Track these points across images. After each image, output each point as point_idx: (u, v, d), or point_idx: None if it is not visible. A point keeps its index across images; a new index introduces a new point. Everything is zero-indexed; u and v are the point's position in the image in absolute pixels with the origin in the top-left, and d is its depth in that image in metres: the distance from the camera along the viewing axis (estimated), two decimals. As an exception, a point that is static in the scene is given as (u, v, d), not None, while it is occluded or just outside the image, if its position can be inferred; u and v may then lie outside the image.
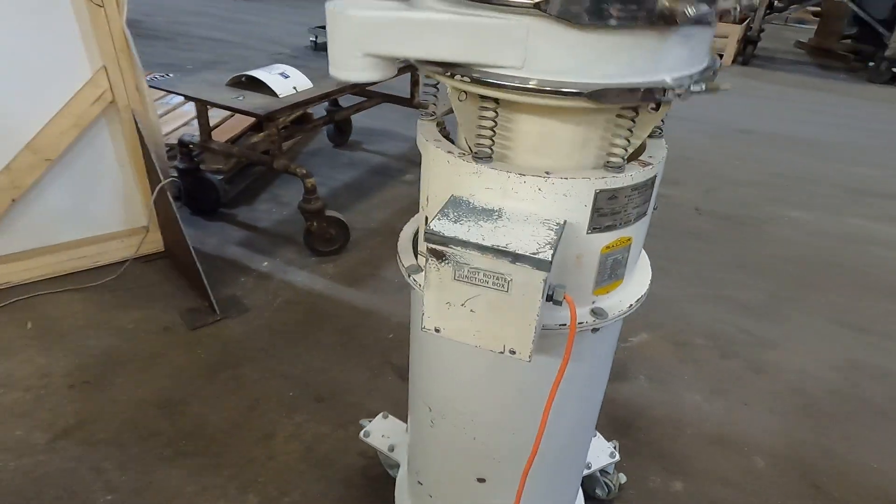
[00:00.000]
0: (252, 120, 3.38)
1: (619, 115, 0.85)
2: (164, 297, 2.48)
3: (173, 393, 2.01)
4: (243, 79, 2.75)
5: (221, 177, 3.12)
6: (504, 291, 0.81)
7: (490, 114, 0.85)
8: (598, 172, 0.87)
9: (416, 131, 1.02)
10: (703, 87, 0.80)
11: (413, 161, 3.92)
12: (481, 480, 1.20)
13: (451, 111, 0.96)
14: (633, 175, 0.88)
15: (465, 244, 0.79)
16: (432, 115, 1.03)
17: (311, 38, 3.39)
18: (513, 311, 0.82)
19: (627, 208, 0.91)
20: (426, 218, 0.99)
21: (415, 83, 3.64)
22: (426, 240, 0.80)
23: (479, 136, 0.87)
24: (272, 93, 2.58)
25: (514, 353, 0.86)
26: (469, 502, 1.26)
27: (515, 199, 0.87)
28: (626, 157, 0.88)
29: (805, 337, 2.47)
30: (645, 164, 0.90)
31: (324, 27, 3.42)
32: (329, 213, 2.76)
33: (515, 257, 0.78)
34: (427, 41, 0.78)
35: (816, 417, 2.07)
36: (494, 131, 0.86)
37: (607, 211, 0.89)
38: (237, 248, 2.87)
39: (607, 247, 0.93)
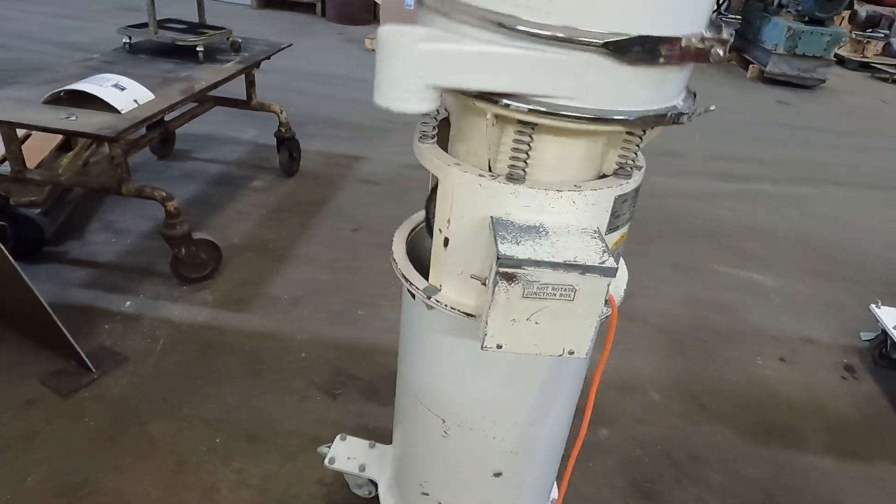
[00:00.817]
0: (58, 139, 2.89)
1: (631, 133, 0.96)
2: (9, 368, 2.05)
3: (71, 474, 1.71)
4: (63, 94, 2.34)
5: (38, 210, 2.63)
6: (570, 301, 0.88)
7: (527, 139, 0.90)
8: (613, 181, 0.97)
9: (421, 156, 1.02)
10: (702, 109, 0.95)
11: (259, 166, 3.69)
12: (497, 475, 1.27)
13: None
14: (637, 179, 1.00)
15: (538, 264, 0.84)
16: (432, 138, 1.04)
17: (124, 40, 2.98)
18: (576, 317, 0.89)
19: (628, 208, 1.04)
20: (445, 240, 1.01)
21: (251, 83, 3.41)
22: (501, 265, 0.84)
23: (515, 158, 0.92)
24: (111, 108, 2.24)
25: (572, 353, 0.94)
26: (484, 497, 1.32)
27: (552, 213, 0.93)
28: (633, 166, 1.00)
29: (655, 284, 2.93)
30: (640, 169, 1.03)
31: (139, 26, 3.03)
32: (196, 235, 2.51)
33: (585, 269, 0.85)
34: (491, 73, 0.80)
35: (683, 349, 2.50)
36: (529, 154, 0.91)
37: (619, 213, 1.01)
38: (84, 290, 2.47)
39: (615, 243, 1.05)
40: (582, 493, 1.82)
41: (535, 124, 0.88)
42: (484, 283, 0.92)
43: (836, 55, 7.19)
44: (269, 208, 3.25)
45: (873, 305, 2.52)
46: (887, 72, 8.21)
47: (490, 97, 0.84)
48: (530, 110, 0.83)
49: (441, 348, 1.14)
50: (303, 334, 2.34)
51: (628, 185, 0.98)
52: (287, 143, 3.55)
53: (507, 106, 0.83)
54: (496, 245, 0.86)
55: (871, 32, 8.53)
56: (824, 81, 7.17)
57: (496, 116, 0.90)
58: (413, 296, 1.14)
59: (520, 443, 1.22)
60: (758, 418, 2.19)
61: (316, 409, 2.02)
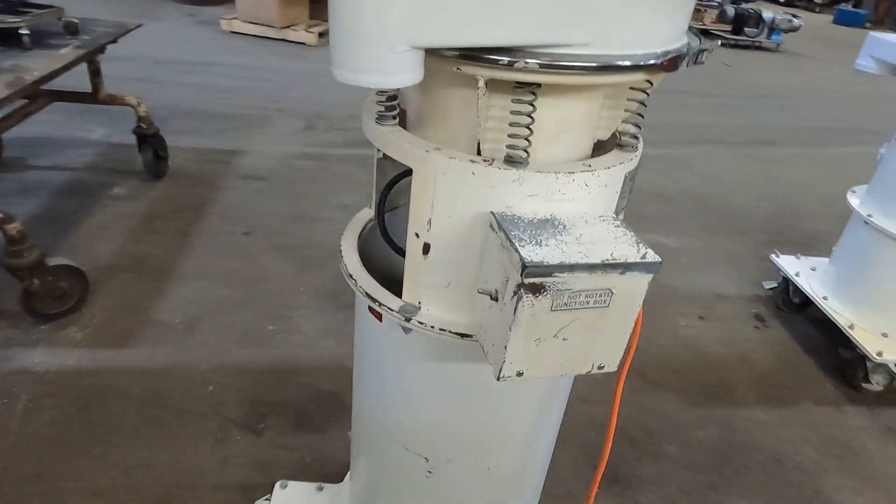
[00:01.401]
0: None
1: (635, 89, 0.80)
2: None
3: None
4: None
5: None
6: (605, 307, 0.71)
7: (527, 108, 0.70)
8: (621, 155, 0.82)
9: (384, 142, 0.80)
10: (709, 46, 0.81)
11: (118, 170, 3.16)
12: (491, 507, 1.09)
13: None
14: (641, 150, 0.86)
15: (572, 268, 0.66)
16: (394, 119, 0.81)
17: None
18: (609, 325, 0.73)
19: (629, 187, 0.89)
20: (425, 246, 0.80)
21: (95, 73, 2.87)
22: (529, 274, 0.64)
23: (514, 135, 0.72)
24: None
25: (602, 368, 0.77)
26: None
27: (561, 200, 0.76)
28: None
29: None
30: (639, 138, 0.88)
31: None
32: (52, 261, 2.05)
33: (626, 267, 0.69)
34: (490, 22, 0.59)
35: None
36: (530, 129, 0.72)
37: (624, 193, 0.85)
38: None
39: (618, 228, 0.90)
40: (552, 491, 1.70)
41: (538, 87, 0.69)
42: (493, 298, 0.72)
43: (683, 23, 7.72)
44: (138, 218, 2.78)
45: (773, 255, 2.66)
46: (724, 37, 8.99)
47: (483, 57, 0.64)
48: (543, 66, 0.64)
49: (424, 378, 0.93)
50: (207, 363, 2.00)
51: (635, 160, 0.83)
52: (150, 141, 3.06)
53: (511, 65, 0.63)
54: (515, 249, 0.66)
55: (705, 1, 9.30)
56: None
57: (487, 83, 0.70)
58: (379, 317, 0.92)
59: (517, 467, 1.06)
60: (694, 380, 2.22)
61: (239, 451, 1.71)
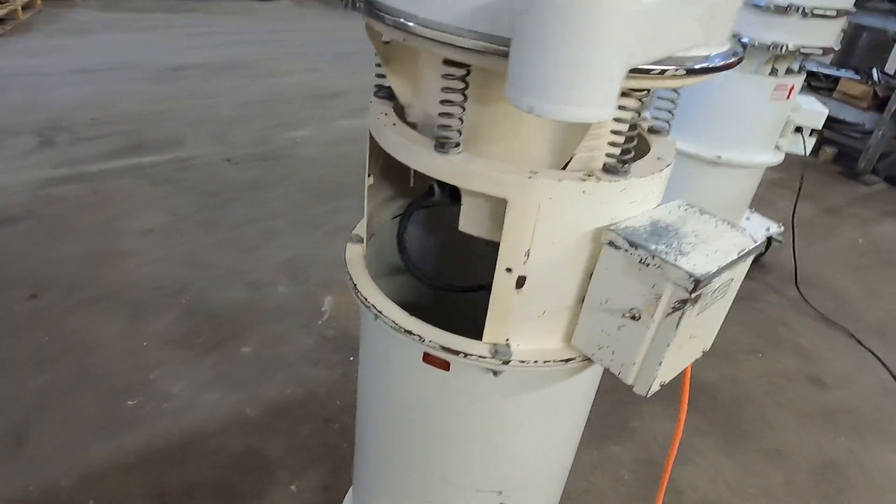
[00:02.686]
0: None
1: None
2: None
3: None
4: None
5: None
6: (724, 296, 0.72)
7: (633, 115, 0.65)
8: (668, 144, 0.82)
9: (461, 174, 0.67)
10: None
11: None
12: (547, 509, 1.07)
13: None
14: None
15: (720, 271, 0.65)
16: (457, 145, 0.68)
17: None
18: (720, 310, 0.75)
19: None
20: (520, 280, 0.71)
21: None
22: (697, 287, 0.62)
23: (613, 143, 0.67)
24: None
25: (705, 351, 0.79)
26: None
27: (645, 201, 0.73)
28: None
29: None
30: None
31: None
32: None
33: (746, 253, 0.70)
34: (680, 31, 0.53)
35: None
36: (633, 137, 0.68)
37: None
38: None
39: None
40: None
41: (647, 94, 0.65)
42: (635, 318, 0.68)
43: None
44: None
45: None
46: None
47: (641, 69, 0.57)
48: (690, 71, 0.59)
49: (508, 415, 0.85)
50: (66, 477, 1.54)
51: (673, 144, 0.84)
52: None
53: (663, 73, 0.58)
54: (672, 265, 0.63)
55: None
56: None
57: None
58: (446, 366, 0.80)
59: (563, 471, 1.05)
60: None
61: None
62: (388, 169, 0.91)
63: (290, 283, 2.37)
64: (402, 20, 0.60)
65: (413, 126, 0.78)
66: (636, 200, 0.71)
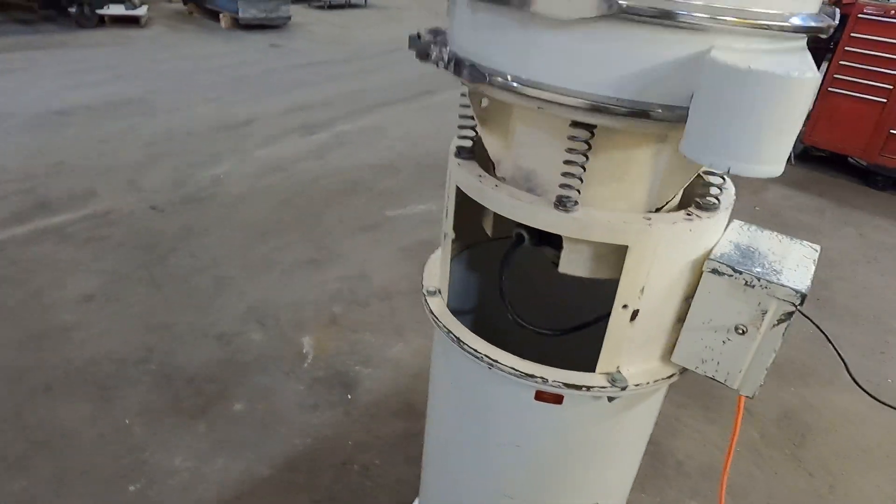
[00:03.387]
0: None
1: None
2: None
3: None
4: None
5: None
6: (796, 299, 0.84)
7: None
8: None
9: (587, 228, 0.73)
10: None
11: None
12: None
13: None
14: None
15: (811, 282, 0.76)
16: (576, 203, 0.74)
17: None
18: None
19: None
20: (635, 313, 0.78)
21: None
22: (801, 303, 0.73)
23: (714, 184, 0.76)
24: None
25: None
26: None
27: (720, 230, 0.83)
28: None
29: (366, 252, 2.87)
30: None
31: None
32: None
33: (816, 262, 0.82)
34: None
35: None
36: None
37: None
38: None
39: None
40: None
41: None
42: (741, 332, 0.78)
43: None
44: None
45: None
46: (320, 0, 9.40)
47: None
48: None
49: (616, 434, 0.92)
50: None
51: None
52: None
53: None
54: (778, 283, 0.73)
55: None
56: (290, 18, 7.72)
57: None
58: (559, 400, 0.87)
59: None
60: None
61: None
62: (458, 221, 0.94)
63: (261, 330, 2.29)
64: (538, 91, 0.65)
65: (502, 180, 0.83)
66: (720, 230, 0.81)
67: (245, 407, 1.95)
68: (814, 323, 2.67)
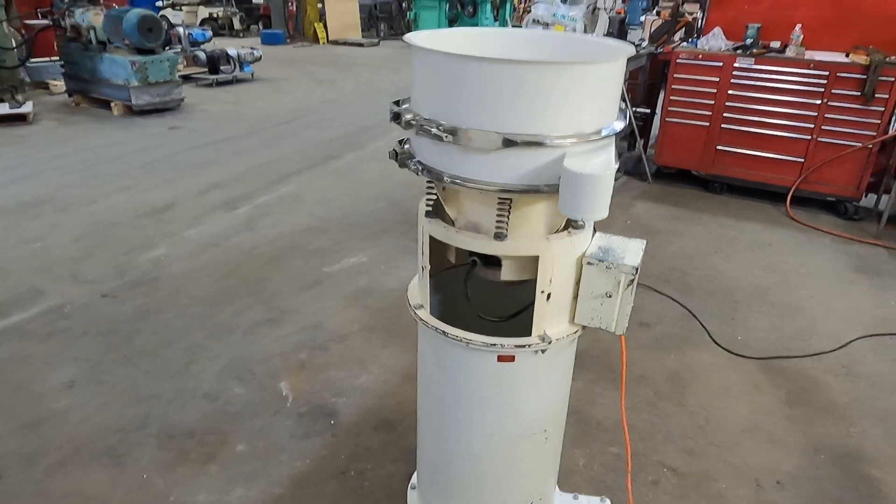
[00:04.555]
0: None
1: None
2: None
3: None
4: None
5: None
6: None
7: (581, 198, 1.32)
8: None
9: (524, 247, 1.27)
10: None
11: None
12: (562, 439, 1.68)
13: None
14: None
15: (640, 261, 1.34)
16: (506, 236, 1.28)
17: None
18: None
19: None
20: (549, 295, 1.32)
21: None
22: (636, 272, 1.30)
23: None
24: None
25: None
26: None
27: (587, 240, 1.40)
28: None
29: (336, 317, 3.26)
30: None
31: None
32: None
33: (643, 253, 1.41)
34: None
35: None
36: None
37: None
38: None
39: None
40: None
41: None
42: (609, 296, 1.33)
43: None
44: None
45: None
46: (205, 78, 9.67)
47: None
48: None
49: (550, 377, 1.46)
50: None
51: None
52: None
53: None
54: (622, 264, 1.30)
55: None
56: (184, 99, 7.97)
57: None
58: (513, 359, 1.38)
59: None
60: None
61: None
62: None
63: (241, 385, 2.63)
64: (474, 184, 1.18)
65: (459, 229, 1.35)
66: (588, 240, 1.37)
67: (247, 446, 2.29)
68: (681, 304, 3.43)
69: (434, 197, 1.38)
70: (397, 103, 1.31)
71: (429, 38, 1.30)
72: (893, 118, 4.44)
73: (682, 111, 5.09)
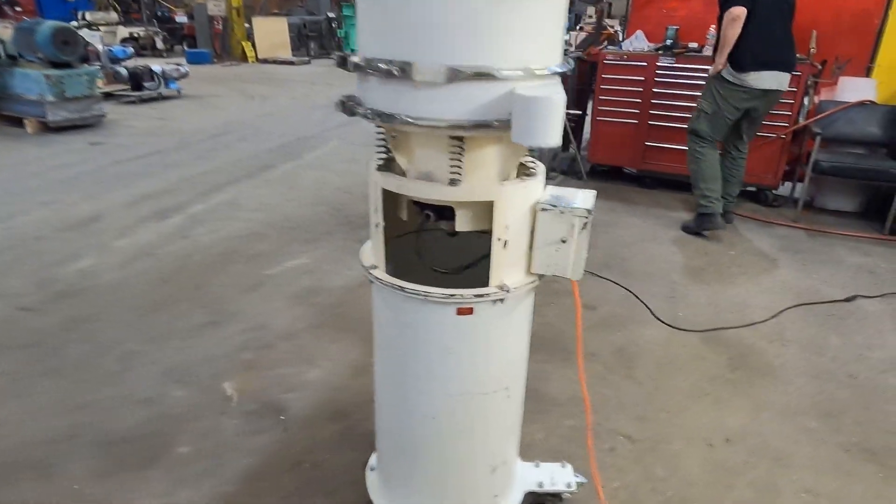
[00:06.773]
0: None
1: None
2: None
3: None
4: None
5: None
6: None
7: (531, 145, 1.34)
8: (527, 159, 1.52)
9: (479, 192, 1.26)
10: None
11: None
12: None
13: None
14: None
15: (589, 209, 1.37)
16: (461, 181, 1.27)
17: None
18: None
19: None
20: (506, 242, 1.33)
21: None
22: (589, 213, 1.32)
23: (533, 160, 1.34)
24: None
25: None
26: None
27: (539, 188, 1.42)
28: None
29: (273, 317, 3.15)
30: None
31: None
32: None
33: (595, 197, 1.43)
34: None
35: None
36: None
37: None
38: None
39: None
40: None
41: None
42: (564, 242, 1.35)
43: (96, 91, 7.62)
44: None
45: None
46: (128, 95, 9.28)
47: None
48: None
49: (510, 328, 1.45)
50: None
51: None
52: None
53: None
54: (575, 207, 1.32)
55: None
56: (105, 115, 7.60)
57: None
58: (471, 311, 1.37)
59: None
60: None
61: None
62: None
63: (182, 388, 2.49)
64: (426, 121, 1.17)
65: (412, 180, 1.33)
66: (541, 188, 1.39)
67: (191, 448, 2.15)
68: (623, 287, 3.52)
69: (384, 152, 1.36)
70: (343, 59, 1.29)
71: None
72: (802, 109, 4.79)
73: (612, 110, 5.30)
